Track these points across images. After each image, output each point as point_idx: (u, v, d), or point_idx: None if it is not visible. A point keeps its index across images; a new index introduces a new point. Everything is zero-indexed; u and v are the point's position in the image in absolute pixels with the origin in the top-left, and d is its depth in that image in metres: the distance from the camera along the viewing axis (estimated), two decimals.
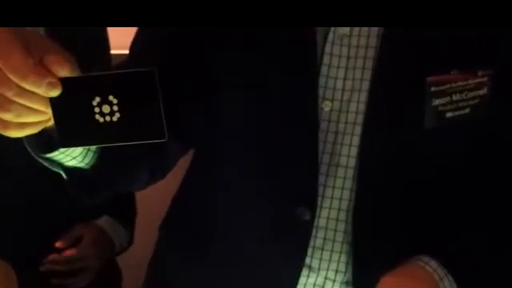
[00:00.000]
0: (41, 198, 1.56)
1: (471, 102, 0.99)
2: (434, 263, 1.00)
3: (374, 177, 1.02)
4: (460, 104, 0.99)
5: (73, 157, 0.88)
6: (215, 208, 1.12)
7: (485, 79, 0.99)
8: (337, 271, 1.06)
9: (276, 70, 1.01)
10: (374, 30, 0.99)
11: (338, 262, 1.05)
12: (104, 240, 1.64)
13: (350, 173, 1.02)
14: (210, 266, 1.12)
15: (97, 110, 0.75)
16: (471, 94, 0.99)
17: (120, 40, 1.56)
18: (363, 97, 1.00)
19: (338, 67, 1.01)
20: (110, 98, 0.75)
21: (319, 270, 1.06)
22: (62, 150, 0.85)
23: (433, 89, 0.98)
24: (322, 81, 1.01)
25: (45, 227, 1.57)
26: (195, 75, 1.03)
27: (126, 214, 1.69)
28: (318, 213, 1.04)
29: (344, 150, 1.02)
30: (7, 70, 0.72)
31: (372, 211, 1.03)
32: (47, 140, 0.84)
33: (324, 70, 1.01)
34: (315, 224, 1.04)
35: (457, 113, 0.99)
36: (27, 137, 0.81)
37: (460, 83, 0.98)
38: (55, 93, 0.74)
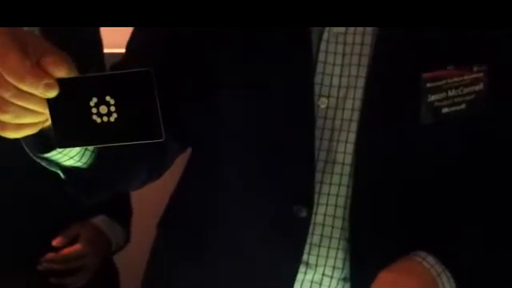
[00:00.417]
0: (37, 198, 1.56)
1: (467, 98, 1.00)
2: (431, 259, 1.00)
3: (371, 173, 1.02)
4: (456, 100, 0.99)
5: (70, 156, 0.88)
6: (213, 206, 1.12)
7: (480, 75, 0.99)
8: (334, 268, 1.06)
9: (274, 69, 1.01)
10: (370, 27, 0.99)
11: (336, 258, 1.06)
12: (100, 239, 1.63)
13: (347, 169, 1.03)
14: (208, 264, 1.12)
15: (94, 110, 0.76)
16: (467, 90, 0.99)
17: (113, 39, 1.57)
18: (359, 94, 1.01)
19: (334, 64, 1.01)
20: (107, 98, 0.75)
21: (316, 266, 1.06)
22: (59, 149, 0.85)
23: (428, 85, 0.98)
24: (317, 78, 1.01)
25: (41, 227, 1.56)
26: (195, 75, 1.03)
27: (121, 212, 1.69)
28: (314, 210, 1.04)
29: (340, 147, 1.02)
30: (5, 71, 0.72)
31: (369, 208, 1.03)
32: (44, 140, 0.84)
33: (320, 67, 1.01)
34: (312, 221, 1.04)
35: (453, 108, 0.99)
36: (25, 137, 0.81)
37: (456, 79, 0.98)
38: (52, 94, 0.74)
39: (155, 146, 0.82)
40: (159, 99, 0.75)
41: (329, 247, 1.05)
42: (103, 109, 0.75)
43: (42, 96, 0.74)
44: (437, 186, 1.04)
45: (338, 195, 1.04)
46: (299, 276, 1.06)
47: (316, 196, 1.04)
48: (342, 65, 1.01)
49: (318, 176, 1.03)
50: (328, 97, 1.01)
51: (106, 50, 1.70)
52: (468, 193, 1.05)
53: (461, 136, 1.02)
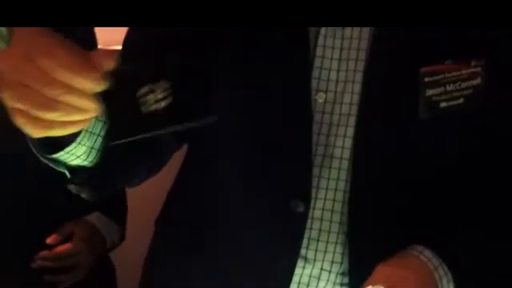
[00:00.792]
0: (32, 197, 1.56)
1: (465, 92, 1.00)
2: (428, 253, 1.00)
3: (369, 168, 1.02)
4: (454, 94, 0.99)
5: (77, 156, 0.88)
6: (211, 202, 1.11)
7: (478, 69, 0.99)
8: (333, 262, 1.06)
9: (272, 64, 1.01)
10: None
11: (334, 252, 1.06)
12: (95, 236, 1.63)
13: (345, 164, 1.03)
14: (207, 260, 1.12)
15: (143, 100, 0.75)
16: (465, 84, 0.99)
17: (108, 36, 1.56)
18: (357, 88, 1.01)
19: (332, 59, 1.01)
20: (154, 87, 0.74)
21: (315, 261, 1.06)
22: (67, 149, 0.85)
23: (426, 79, 0.98)
24: (315, 72, 1.01)
25: (36, 225, 1.56)
26: (192, 72, 1.03)
27: (117, 210, 1.69)
28: (312, 204, 1.04)
29: (338, 142, 1.02)
30: (55, 69, 0.70)
31: (367, 202, 1.04)
32: (53, 140, 0.83)
33: (318, 61, 1.01)
34: (310, 215, 1.04)
35: (451, 103, 1.00)
36: (32, 138, 0.81)
37: (454, 73, 0.99)
38: (103, 87, 0.72)
39: (156, 144, 0.81)
40: None
41: (327, 242, 1.05)
42: (151, 98, 0.75)
43: (94, 90, 0.72)
44: (435, 181, 1.04)
45: (336, 190, 1.04)
46: (297, 270, 1.06)
47: (314, 191, 1.04)
48: (340, 59, 1.01)
49: (315, 171, 1.03)
50: (326, 91, 1.02)
51: (100, 47, 1.70)
52: (466, 188, 1.05)
53: (459, 131, 1.02)
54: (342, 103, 1.01)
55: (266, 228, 1.06)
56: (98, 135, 0.90)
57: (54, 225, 1.59)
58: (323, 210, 1.04)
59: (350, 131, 1.02)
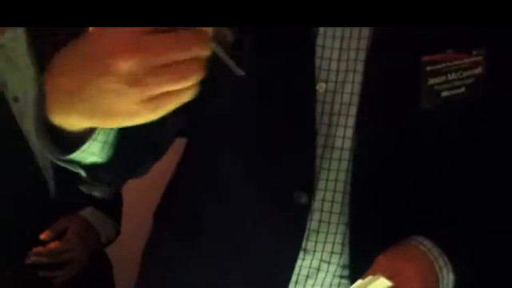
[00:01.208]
0: (26, 192, 1.55)
1: (466, 82, 0.99)
2: (428, 243, 1.00)
3: (370, 157, 1.02)
4: (455, 83, 0.99)
5: (92, 153, 0.87)
6: (211, 193, 1.10)
7: (480, 58, 0.99)
8: (332, 253, 1.06)
9: (273, 55, 1.00)
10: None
11: (333, 243, 1.05)
12: (89, 231, 1.62)
13: (346, 154, 1.02)
14: (206, 252, 1.11)
15: None
16: (466, 74, 0.99)
17: None
18: (358, 77, 1.00)
19: (332, 48, 1.00)
20: None
21: (314, 252, 1.05)
22: (83, 148, 0.84)
23: (428, 68, 0.98)
24: (316, 62, 1.01)
25: (31, 220, 1.55)
26: None
27: (111, 204, 1.68)
28: (313, 195, 1.03)
29: (339, 132, 1.02)
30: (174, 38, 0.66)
31: (368, 192, 1.03)
32: (68, 142, 0.82)
33: (318, 51, 1.00)
34: (311, 207, 1.04)
35: (452, 92, 0.99)
36: (46, 142, 0.81)
37: (455, 62, 0.98)
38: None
39: (161, 132, 0.80)
40: None
41: (327, 233, 1.05)
42: None
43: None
44: (436, 171, 1.04)
45: (336, 180, 1.03)
46: (297, 262, 1.05)
47: (314, 182, 1.03)
48: (341, 49, 1.00)
49: (316, 161, 1.03)
50: (326, 81, 1.01)
51: None
52: (467, 178, 1.05)
53: (460, 120, 1.02)
54: (342, 93, 1.01)
55: (267, 219, 1.05)
56: (111, 128, 0.90)
57: (44, 219, 1.58)
58: (323, 201, 1.04)
59: (351, 121, 1.01)
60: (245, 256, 1.08)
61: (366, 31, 0.99)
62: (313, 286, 1.07)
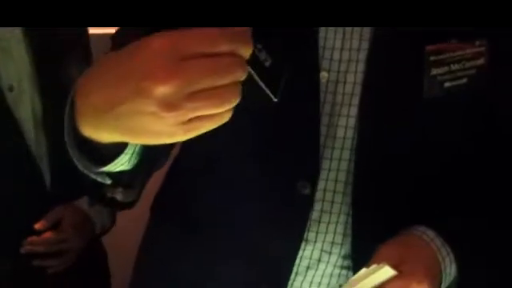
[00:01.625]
0: (21, 181, 1.54)
1: (468, 72, 0.99)
2: (431, 233, 1.00)
3: (373, 147, 1.02)
4: (458, 74, 0.99)
5: (122, 163, 0.86)
6: (210, 184, 1.10)
7: (482, 49, 0.99)
8: (333, 243, 1.05)
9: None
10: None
11: (334, 233, 1.05)
12: (84, 221, 1.61)
13: (348, 143, 1.02)
14: (204, 245, 1.11)
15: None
16: (469, 64, 0.99)
17: None
18: (361, 67, 1.00)
19: (335, 38, 1.00)
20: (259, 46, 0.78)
21: (315, 242, 1.05)
22: (116, 161, 0.83)
23: (432, 58, 0.97)
24: (318, 52, 1.00)
25: (26, 210, 1.54)
26: None
27: (103, 197, 1.67)
28: (316, 186, 1.03)
29: (342, 121, 1.02)
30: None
31: (370, 182, 1.03)
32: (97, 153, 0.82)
33: (320, 41, 1.00)
34: (313, 197, 1.03)
35: (454, 83, 0.99)
36: (78, 156, 0.82)
37: (458, 52, 0.98)
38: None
39: None
40: None
41: (328, 223, 1.04)
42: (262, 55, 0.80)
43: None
44: (438, 162, 1.04)
45: (338, 170, 1.03)
46: (298, 253, 1.05)
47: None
48: (343, 38, 1.00)
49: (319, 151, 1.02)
50: (329, 71, 1.01)
51: (91, 31, 1.69)
52: (470, 169, 1.05)
53: (463, 111, 1.02)
54: (345, 82, 1.00)
55: (269, 211, 1.04)
56: None
57: (40, 209, 1.57)
58: (325, 190, 1.04)
59: (354, 111, 1.01)
60: (245, 248, 1.07)
61: None
62: (314, 276, 1.07)
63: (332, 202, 1.04)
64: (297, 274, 1.06)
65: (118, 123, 0.69)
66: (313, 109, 1.01)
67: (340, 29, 1.00)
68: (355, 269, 1.04)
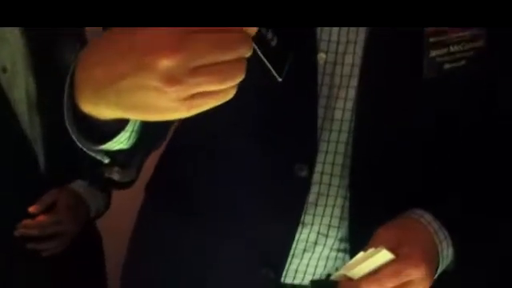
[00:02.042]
0: (13, 165, 1.53)
1: (467, 54, 0.99)
2: (428, 216, 1.00)
3: (370, 130, 1.01)
4: (457, 56, 0.98)
5: (120, 142, 0.85)
6: (206, 166, 1.09)
7: (482, 31, 0.98)
8: (329, 226, 1.05)
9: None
10: None
11: (331, 216, 1.04)
12: (79, 204, 1.60)
13: (346, 126, 1.01)
14: (199, 227, 1.10)
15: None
16: (468, 46, 0.98)
17: None
18: (359, 48, 0.99)
19: None
20: None
21: (312, 225, 1.04)
22: (115, 139, 0.82)
23: (431, 39, 0.96)
24: (316, 32, 0.99)
25: (20, 193, 1.53)
26: None
27: (99, 177, 1.66)
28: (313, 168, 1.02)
29: (339, 104, 1.01)
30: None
31: (368, 165, 1.02)
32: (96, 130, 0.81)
33: None
34: (310, 180, 1.03)
35: (454, 64, 0.98)
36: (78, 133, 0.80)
37: (458, 34, 0.97)
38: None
39: None
40: None
41: (325, 205, 1.04)
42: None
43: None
44: (437, 145, 1.04)
45: (335, 152, 1.02)
46: (295, 236, 1.05)
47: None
48: None
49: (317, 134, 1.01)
50: (326, 52, 0.99)
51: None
52: (468, 152, 1.05)
53: (462, 93, 1.01)
54: (343, 64, 0.99)
55: (266, 193, 1.04)
56: None
57: (34, 192, 1.56)
58: (322, 173, 1.03)
59: (352, 93, 1.00)
60: (241, 230, 1.06)
61: None
62: (310, 259, 1.06)
63: (329, 185, 1.03)
64: (293, 256, 1.06)
65: (120, 99, 0.68)
66: (310, 91, 1.00)
67: None
68: (352, 252, 1.04)
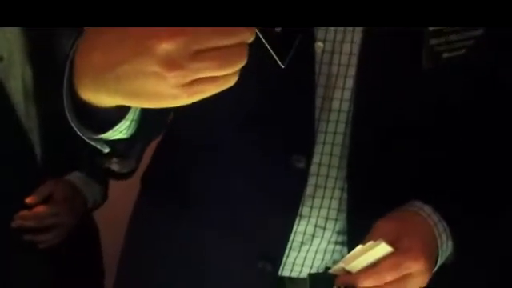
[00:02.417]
0: (11, 156, 1.52)
1: (466, 43, 0.97)
2: (428, 208, 0.99)
3: (368, 120, 0.99)
4: (456, 45, 0.96)
5: (120, 131, 0.84)
6: (205, 157, 1.07)
7: None
8: (327, 218, 1.03)
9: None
10: None
11: (329, 209, 1.03)
12: (76, 196, 1.59)
13: (344, 116, 0.99)
14: (195, 219, 1.08)
15: None
16: (467, 35, 0.96)
17: None
18: (357, 37, 0.97)
19: None
20: None
21: (309, 217, 1.03)
22: (115, 128, 0.81)
23: (431, 28, 0.95)
24: None
25: (16, 185, 1.52)
26: None
27: (98, 168, 1.65)
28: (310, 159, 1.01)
29: (337, 93, 0.99)
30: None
31: (366, 156, 1.01)
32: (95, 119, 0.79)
33: None
34: (308, 171, 1.01)
35: (453, 53, 0.97)
36: (77, 122, 0.79)
37: None
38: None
39: None
40: None
41: (322, 197, 1.02)
42: None
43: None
44: (436, 135, 1.02)
45: (333, 144, 1.00)
46: (292, 228, 1.03)
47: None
48: None
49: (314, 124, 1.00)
50: (324, 40, 0.98)
51: None
52: (467, 144, 1.03)
53: (461, 83, 1.00)
54: (341, 53, 0.98)
55: (263, 185, 1.02)
56: None
57: (30, 184, 1.55)
58: (320, 165, 1.01)
59: (350, 82, 0.98)
60: (238, 222, 1.05)
61: None
62: (308, 251, 1.05)
63: (327, 177, 1.02)
64: (291, 249, 1.04)
65: (119, 85, 0.66)
66: (308, 80, 0.98)
67: None
68: (350, 244, 1.02)
